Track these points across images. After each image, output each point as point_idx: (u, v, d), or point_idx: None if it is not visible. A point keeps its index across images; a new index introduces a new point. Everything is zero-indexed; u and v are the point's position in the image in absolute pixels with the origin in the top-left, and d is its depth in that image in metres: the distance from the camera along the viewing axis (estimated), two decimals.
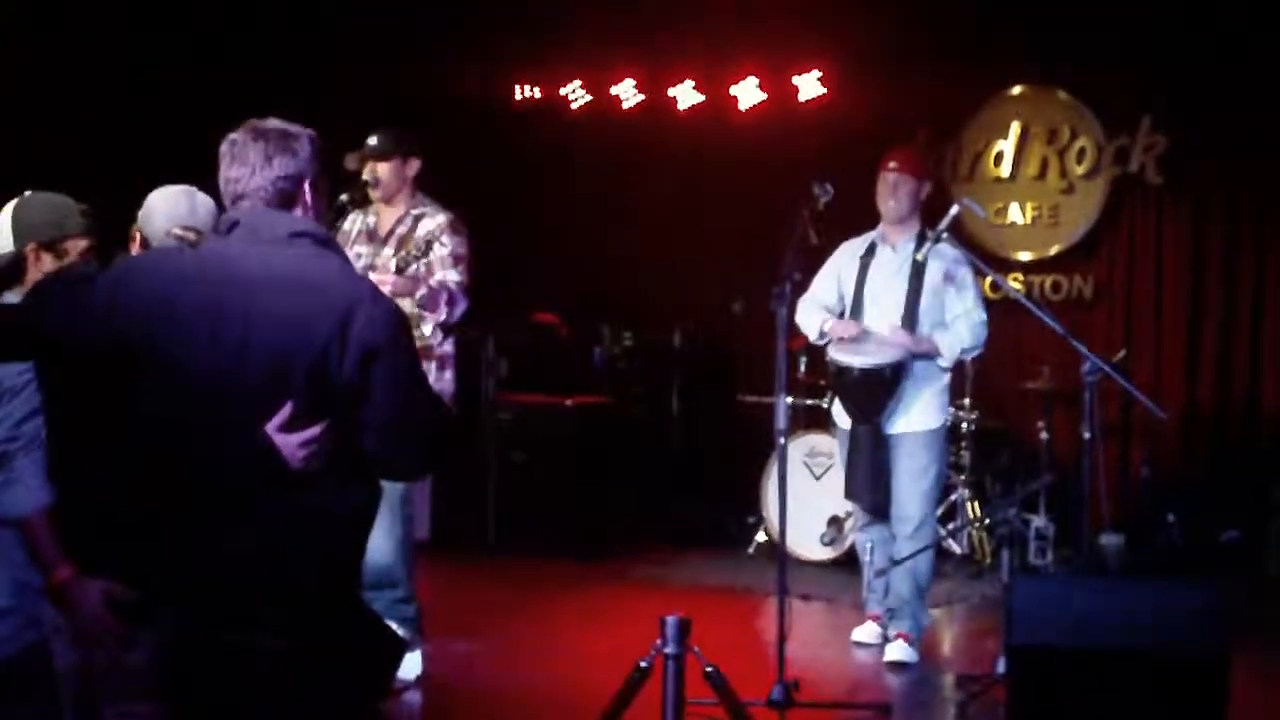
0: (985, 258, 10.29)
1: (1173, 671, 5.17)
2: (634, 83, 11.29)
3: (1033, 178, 10.65)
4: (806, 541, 9.27)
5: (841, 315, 7.31)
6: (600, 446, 10.10)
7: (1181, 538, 9.54)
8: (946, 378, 7.34)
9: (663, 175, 11.13)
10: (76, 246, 4.46)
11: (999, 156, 10.72)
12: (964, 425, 9.60)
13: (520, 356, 10.18)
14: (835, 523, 9.22)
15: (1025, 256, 10.67)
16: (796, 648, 7.20)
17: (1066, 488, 8.99)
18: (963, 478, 9.61)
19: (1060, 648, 5.26)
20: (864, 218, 7.42)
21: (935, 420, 7.26)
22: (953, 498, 9.59)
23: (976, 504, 9.60)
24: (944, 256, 7.20)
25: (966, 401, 9.59)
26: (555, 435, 9.84)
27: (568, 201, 11.20)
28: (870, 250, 7.37)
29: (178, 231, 4.37)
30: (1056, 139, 10.57)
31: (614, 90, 11.34)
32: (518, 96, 11.62)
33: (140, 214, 4.60)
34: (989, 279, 8.77)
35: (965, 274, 7.23)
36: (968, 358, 7.41)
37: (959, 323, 7.19)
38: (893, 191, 7.28)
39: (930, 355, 7.17)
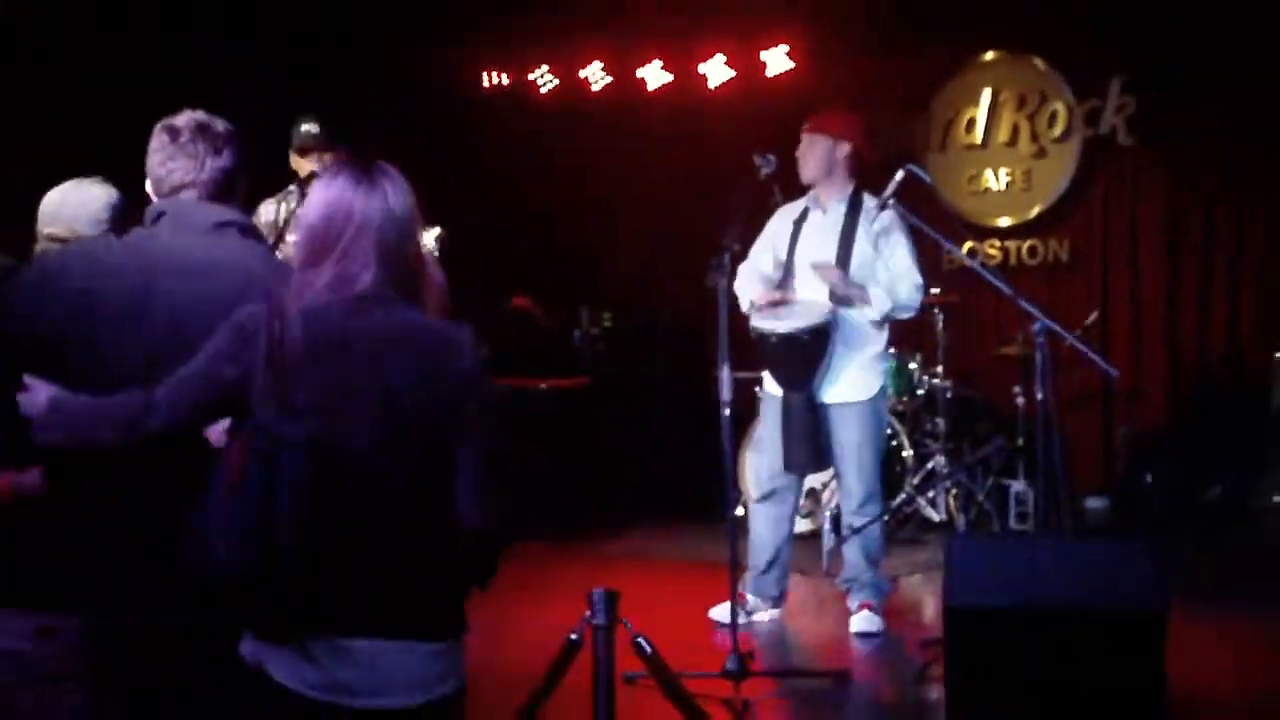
0: (962, 225, 10.39)
1: (1109, 628, 5.19)
2: (601, 65, 11.34)
3: (1005, 144, 10.68)
4: None
5: (781, 284, 7.23)
6: (580, 427, 10.14)
7: (1165, 498, 9.54)
8: (879, 346, 7.24)
9: (635, 156, 11.15)
10: None
11: (970, 123, 10.75)
12: (940, 393, 9.60)
13: (498, 341, 10.19)
14: (812, 495, 9.23)
15: (1003, 222, 10.71)
16: (767, 619, 7.31)
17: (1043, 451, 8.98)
18: (939, 445, 9.62)
19: (997, 607, 5.28)
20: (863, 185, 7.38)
21: (869, 389, 7.18)
22: (929, 465, 9.61)
23: (952, 470, 9.60)
24: (876, 220, 7.12)
25: (940, 369, 9.61)
26: (536, 417, 9.86)
27: (541, 186, 11.22)
28: (804, 215, 7.33)
29: (47, 232, 4.37)
30: (1027, 104, 10.60)
31: (582, 73, 11.39)
32: (486, 83, 11.67)
33: None
34: (948, 248, 8.75)
35: (897, 236, 7.15)
36: (901, 315, 7.24)
37: (895, 283, 7.12)
38: (808, 150, 7.23)
39: (859, 303, 7.06)
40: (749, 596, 7.28)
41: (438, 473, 3.25)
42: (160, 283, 3.57)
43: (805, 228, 7.29)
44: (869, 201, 7.18)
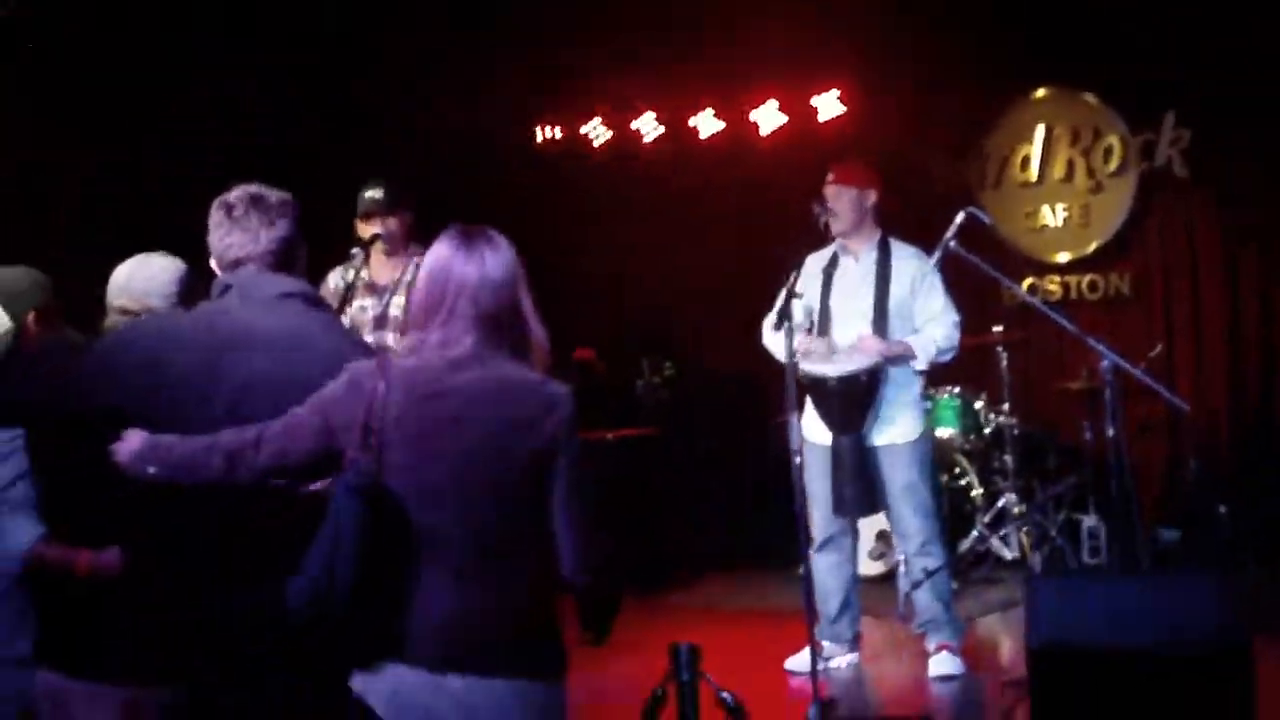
0: (1022, 262, 10.37)
1: (1195, 666, 5.13)
2: (654, 115, 11.36)
3: (1061, 179, 10.63)
4: None
5: (810, 331, 7.24)
6: (647, 478, 10.13)
7: (1234, 529, 9.45)
8: (919, 386, 7.34)
9: (689, 205, 11.18)
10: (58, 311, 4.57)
11: (1025, 161, 10.71)
12: (1006, 430, 9.56)
13: None
14: (883, 537, 9.21)
15: (1062, 258, 10.65)
16: (844, 663, 7.28)
17: (1109, 486, 8.93)
18: (1009, 482, 9.57)
19: (1080, 647, 5.23)
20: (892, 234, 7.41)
21: (916, 429, 7.24)
22: (1000, 503, 9.57)
23: (1024, 508, 9.54)
24: (907, 263, 7.21)
25: (1006, 407, 9.56)
26: (603, 469, 9.86)
27: (597, 238, 11.25)
28: (833, 262, 7.36)
29: (117, 304, 4.42)
30: (1081, 139, 10.55)
31: (635, 125, 11.42)
32: (539, 138, 11.73)
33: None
34: (1009, 286, 8.74)
35: (932, 278, 7.22)
36: (943, 359, 7.27)
37: (930, 326, 7.16)
38: (837, 202, 7.25)
39: (904, 358, 7.13)
40: (824, 643, 7.26)
41: (530, 521, 3.36)
42: (228, 354, 3.62)
43: (837, 275, 7.34)
44: (896, 245, 7.27)
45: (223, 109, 9.54)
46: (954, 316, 7.21)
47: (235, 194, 3.83)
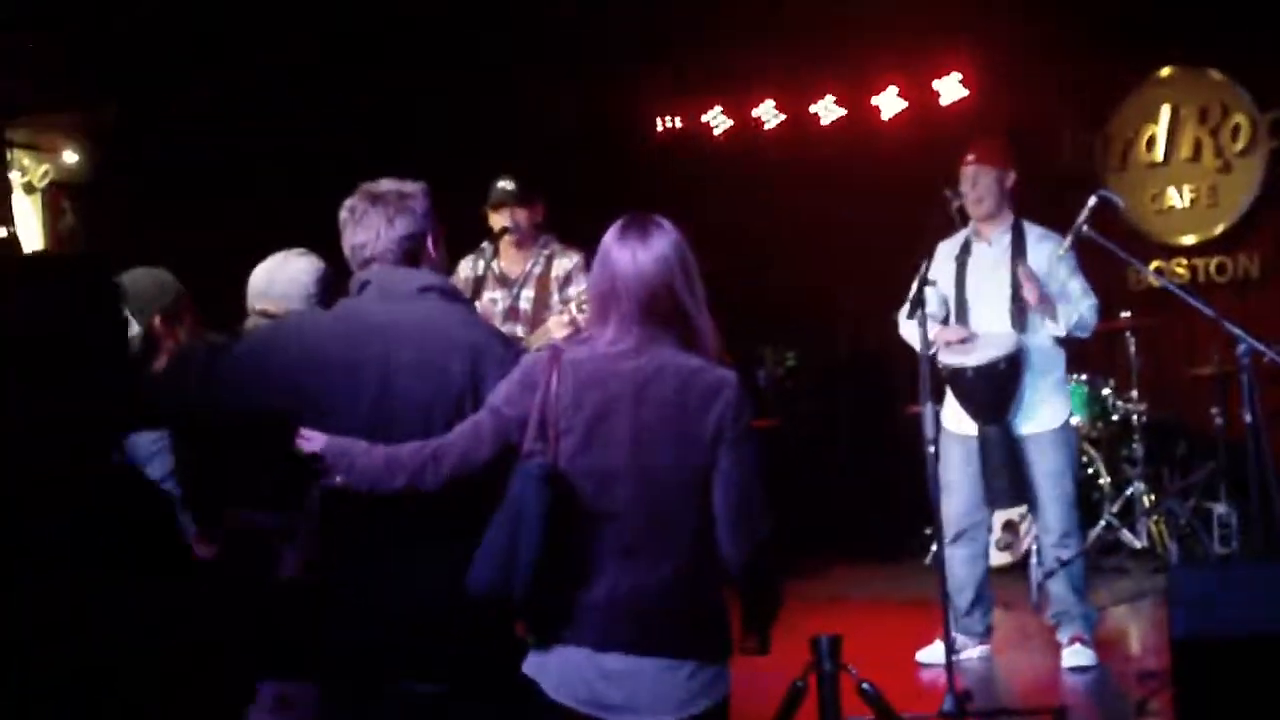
0: (1147, 245, 10.21)
1: None
2: (774, 103, 11.32)
3: (1187, 159, 10.47)
4: None
5: (945, 319, 7.14)
6: (773, 469, 10.07)
7: None
8: (1061, 369, 7.19)
9: (811, 192, 11.12)
10: (188, 310, 4.63)
11: (1150, 141, 10.57)
12: (1134, 417, 9.43)
13: None
14: (1010, 527, 9.11)
15: (1188, 240, 10.50)
16: (976, 655, 7.21)
17: (1246, 474, 8.78)
18: (1138, 470, 9.43)
19: (1224, 637, 5.15)
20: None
21: (1061, 416, 7.13)
22: (1129, 491, 9.44)
23: (1153, 496, 9.41)
24: (1042, 245, 7.06)
25: (1135, 393, 9.43)
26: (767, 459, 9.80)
27: (715, 228, 11.16)
28: (965, 249, 7.21)
29: (259, 307, 4.47)
30: (1209, 118, 10.39)
31: (755, 112, 11.38)
32: (659, 128, 11.72)
33: None
34: (1144, 270, 8.61)
35: (1068, 260, 7.02)
36: (1081, 334, 7.12)
37: (1073, 308, 7.00)
38: (973, 185, 7.12)
39: (1048, 314, 6.95)
40: (957, 636, 7.19)
41: (697, 504, 3.45)
42: (371, 349, 3.66)
43: (971, 261, 7.20)
44: (1029, 228, 7.15)
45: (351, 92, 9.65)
46: (1092, 299, 7.06)
47: (357, 194, 3.87)
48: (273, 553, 3.85)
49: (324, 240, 4.15)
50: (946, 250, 7.25)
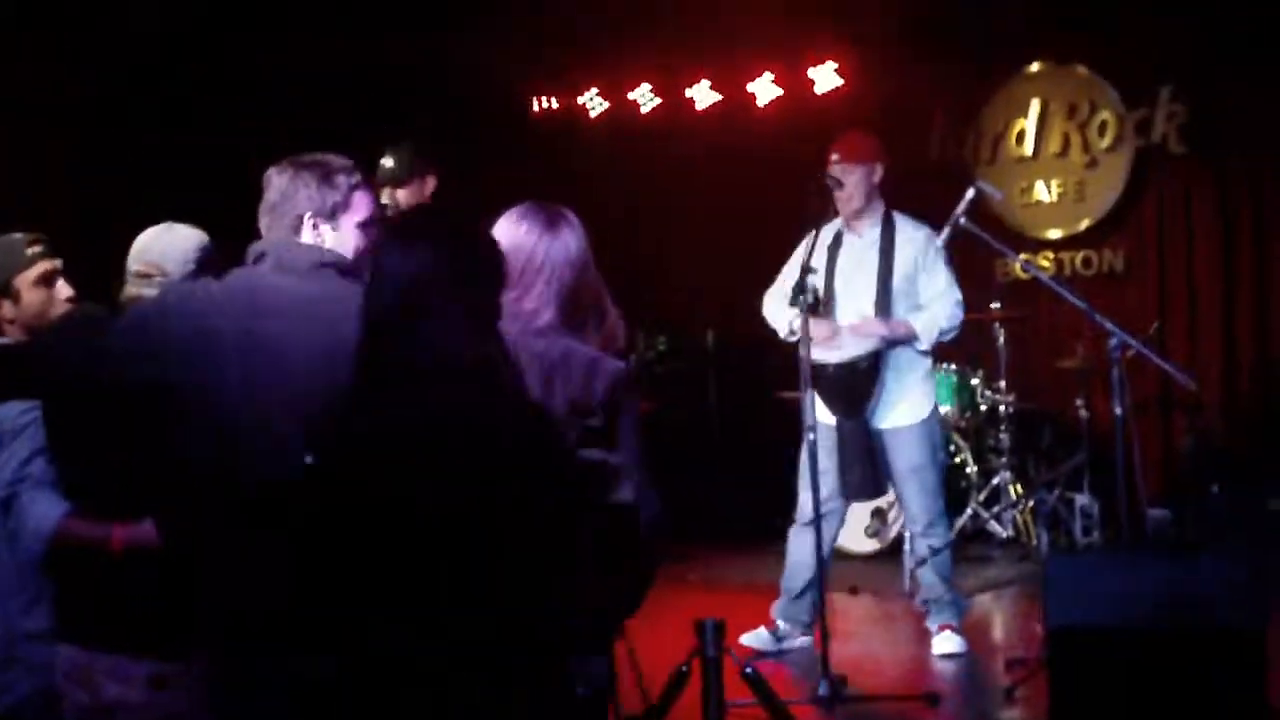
0: (1014, 238, 10.31)
1: (1211, 645, 5.14)
2: (650, 86, 11.29)
3: (1055, 155, 10.59)
4: (850, 534, 9.15)
5: (815, 308, 7.00)
6: (648, 453, 10.06)
7: (1228, 509, 9.46)
8: (928, 364, 7.26)
9: (685, 177, 11.14)
10: (26, 280, 4.49)
11: (1020, 135, 10.68)
12: (1002, 408, 9.56)
13: None
14: (879, 514, 9.22)
15: (1054, 234, 10.62)
16: (844, 642, 7.25)
17: (1108, 464, 8.93)
18: (1004, 460, 9.56)
19: (1099, 627, 5.24)
20: (888, 207, 7.34)
21: (923, 411, 7.18)
22: (995, 480, 9.57)
23: (1019, 486, 9.53)
24: (912, 240, 7.13)
25: (1003, 384, 9.56)
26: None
27: (591, 210, 11.08)
28: (837, 240, 7.25)
29: (135, 268, 4.35)
30: (1077, 114, 10.51)
31: (631, 95, 11.34)
32: (535, 107, 11.65)
33: None
34: (1016, 262, 8.71)
35: (935, 255, 7.14)
36: (946, 338, 7.23)
37: (934, 304, 7.09)
38: (845, 180, 7.14)
39: (907, 340, 7.07)
40: (779, 623, 7.24)
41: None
42: (263, 323, 3.57)
43: (842, 253, 7.24)
44: (901, 221, 7.21)
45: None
46: (957, 295, 7.14)
47: (284, 162, 3.79)
48: None
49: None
50: (824, 238, 7.25)
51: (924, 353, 7.19)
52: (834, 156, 7.21)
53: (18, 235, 4.53)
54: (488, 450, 2.96)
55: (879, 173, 7.23)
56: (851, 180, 7.14)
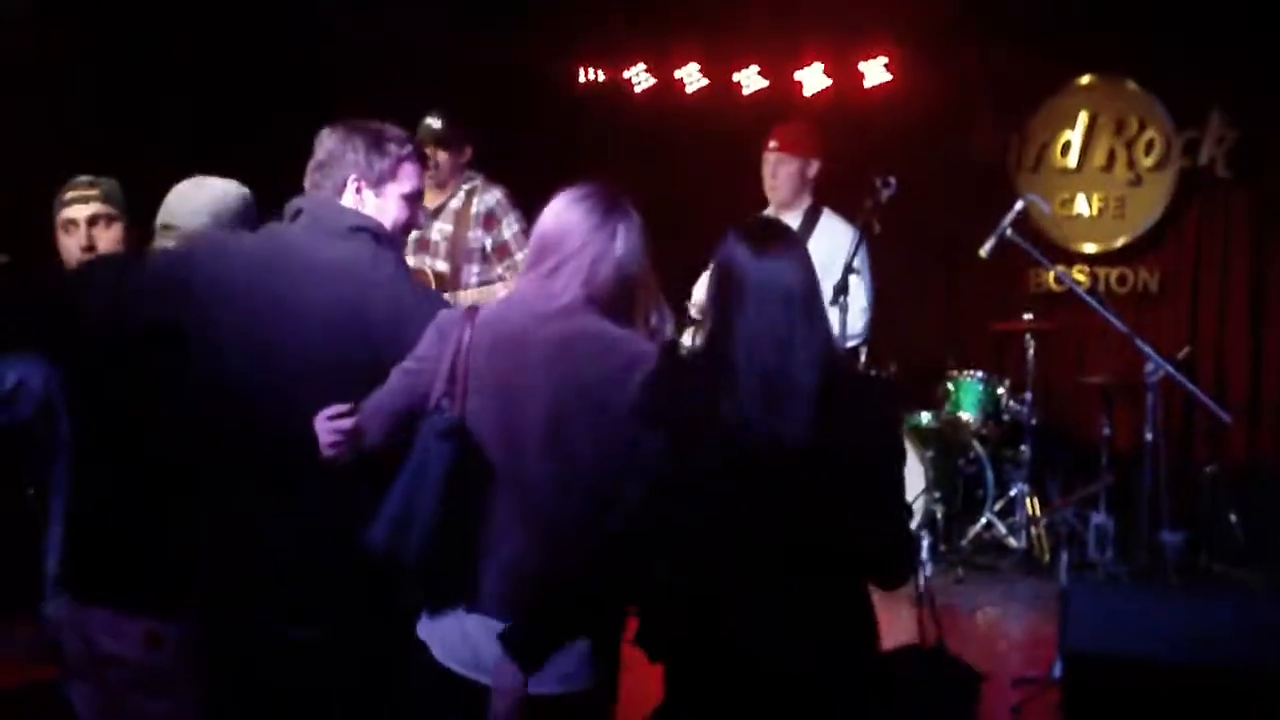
0: (1050, 249, 10.22)
1: (1230, 683, 5.10)
2: (698, 66, 11.20)
3: (1100, 169, 10.51)
4: None
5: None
6: None
7: (1245, 537, 9.38)
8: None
9: (727, 159, 11.02)
10: (59, 224, 4.54)
11: (1066, 147, 10.59)
12: (1025, 420, 9.47)
13: None
14: None
15: (1090, 249, 10.54)
16: None
17: (1128, 485, 8.85)
18: (1023, 472, 9.47)
19: (1117, 655, 5.19)
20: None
21: None
22: (1012, 493, 9.48)
23: (1036, 500, 9.44)
24: (830, 237, 6.87)
25: (1028, 396, 9.46)
26: None
27: (629, 185, 11.08)
28: None
29: (164, 220, 4.28)
30: (1125, 129, 10.43)
31: (678, 74, 11.25)
32: (580, 79, 11.57)
33: None
34: (1051, 273, 8.62)
35: (864, 260, 6.81)
36: (852, 344, 6.95)
37: (853, 306, 6.72)
38: (773, 173, 7.05)
39: None
40: None
41: (609, 472, 3.29)
42: (281, 280, 3.54)
43: None
44: (827, 217, 7.05)
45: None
46: (862, 303, 6.83)
47: (337, 121, 3.79)
48: None
49: None
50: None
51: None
52: (772, 144, 7.11)
53: (79, 178, 4.60)
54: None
55: (814, 167, 7.09)
56: (784, 171, 7.04)
